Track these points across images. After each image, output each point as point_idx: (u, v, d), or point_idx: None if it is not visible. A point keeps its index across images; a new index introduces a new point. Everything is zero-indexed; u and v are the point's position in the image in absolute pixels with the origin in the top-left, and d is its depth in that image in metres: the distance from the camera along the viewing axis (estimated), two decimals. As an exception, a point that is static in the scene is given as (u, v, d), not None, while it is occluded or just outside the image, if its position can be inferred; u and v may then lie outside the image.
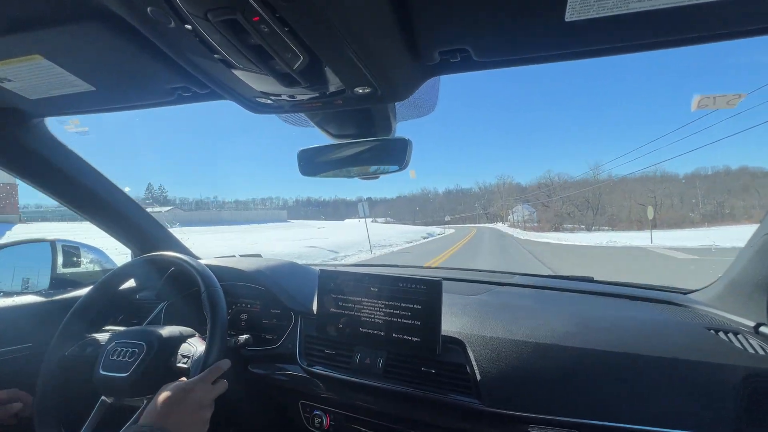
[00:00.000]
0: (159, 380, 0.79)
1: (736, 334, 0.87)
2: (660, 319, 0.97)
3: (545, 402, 0.79)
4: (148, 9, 0.44)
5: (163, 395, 0.73)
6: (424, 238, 25.44)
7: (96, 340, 0.94)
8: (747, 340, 0.84)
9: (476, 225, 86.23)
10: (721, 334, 0.87)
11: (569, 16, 0.44)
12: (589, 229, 49.87)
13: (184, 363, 0.86)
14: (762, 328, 0.84)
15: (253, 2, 0.40)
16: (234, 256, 1.47)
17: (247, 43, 0.47)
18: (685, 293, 1.16)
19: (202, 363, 0.83)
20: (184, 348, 0.89)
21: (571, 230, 47.86)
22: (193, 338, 0.93)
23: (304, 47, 0.49)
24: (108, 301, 1.03)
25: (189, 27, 0.46)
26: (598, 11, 0.43)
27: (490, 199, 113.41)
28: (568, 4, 0.43)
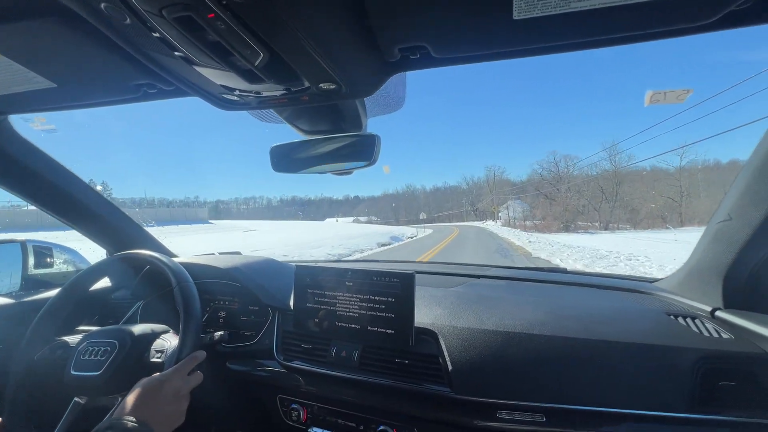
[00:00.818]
0: (133, 377, 0.78)
1: (693, 318, 0.91)
2: (625, 307, 1.01)
3: (514, 388, 0.81)
4: (102, 5, 0.43)
5: (138, 388, 0.72)
6: (383, 246, 16.06)
7: (66, 342, 0.92)
8: (703, 324, 0.88)
9: (461, 223, 77.38)
10: (680, 319, 0.92)
11: (517, 15, 0.46)
12: (606, 228, 37.72)
13: (158, 358, 0.86)
14: (717, 313, 0.89)
15: None
16: (213, 254, 1.47)
17: (205, 40, 0.47)
18: (651, 282, 1.22)
19: (176, 356, 0.83)
20: (158, 344, 0.89)
21: (585, 229, 35.66)
22: (167, 334, 0.92)
23: (263, 44, 0.49)
24: (78, 302, 1.01)
25: (147, 24, 0.46)
26: (542, 10, 0.45)
27: (478, 194, 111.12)
28: (515, 3, 0.44)
